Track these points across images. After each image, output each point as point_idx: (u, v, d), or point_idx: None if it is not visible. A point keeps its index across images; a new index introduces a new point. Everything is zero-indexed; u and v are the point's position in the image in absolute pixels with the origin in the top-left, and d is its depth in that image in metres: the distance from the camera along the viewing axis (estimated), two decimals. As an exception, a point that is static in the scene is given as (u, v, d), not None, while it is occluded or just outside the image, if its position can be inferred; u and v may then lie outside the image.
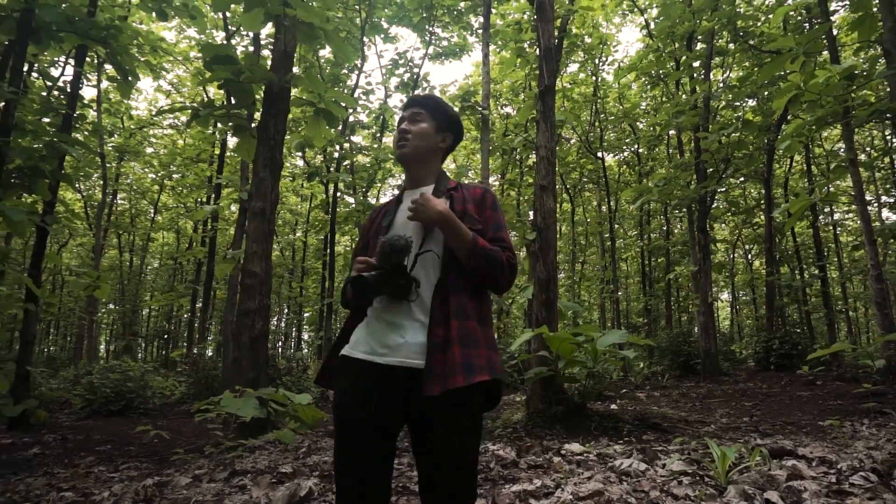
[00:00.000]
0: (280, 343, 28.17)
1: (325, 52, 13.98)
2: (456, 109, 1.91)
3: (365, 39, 14.09)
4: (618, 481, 3.32)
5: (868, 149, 17.55)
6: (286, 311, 26.96)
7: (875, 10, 6.07)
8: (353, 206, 15.18)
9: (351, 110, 14.01)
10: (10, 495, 3.56)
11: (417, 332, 1.51)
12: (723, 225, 21.47)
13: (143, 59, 11.06)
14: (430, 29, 14.40)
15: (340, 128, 13.87)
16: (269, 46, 12.15)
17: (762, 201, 15.62)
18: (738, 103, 13.81)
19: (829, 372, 11.12)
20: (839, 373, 10.83)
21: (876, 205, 18.03)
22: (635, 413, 6.01)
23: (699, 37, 12.22)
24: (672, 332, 15.35)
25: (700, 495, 2.90)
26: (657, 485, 3.17)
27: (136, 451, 5.41)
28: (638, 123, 17.81)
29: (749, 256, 24.16)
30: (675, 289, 20.78)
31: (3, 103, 6.07)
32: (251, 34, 11.76)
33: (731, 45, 12.99)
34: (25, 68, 7.52)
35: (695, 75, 12.71)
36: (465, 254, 1.54)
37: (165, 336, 25.22)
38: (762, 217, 15.83)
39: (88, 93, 29.88)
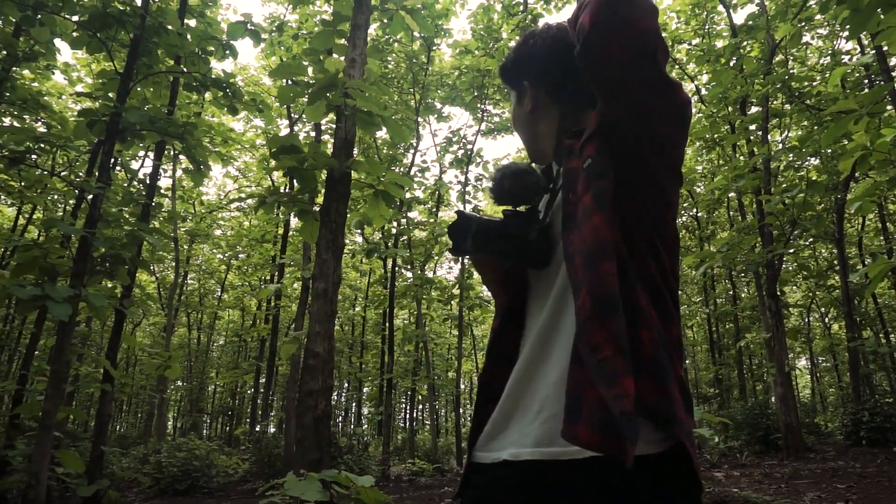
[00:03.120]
0: (340, 418, 28.08)
1: (382, 133, 14.64)
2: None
3: (419, 119, 14.69)
4: (702, 578, 3.07)
5: (948, 203, 16.62)
6: (346, 386, 27.03)
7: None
8: (411, 280, 15.38)
9: (407, 188, 14.46)
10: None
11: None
12: (794, 288, 20.47)
13: (214, 149, 11.86)
14: (482, 107, 14.90)
15: (398, 205, 14.30)
16: (330, 131, 12.85)
17: (835, 262, 14.89)
18: (800, 163, 13.45)
19: (932, 447, 10.14)
20: (943, 448, 9.86)
21: (964, 262, 16.85)
22: (715, 496, 5.61)
23: (753, 100, 12.12)
24: (747, 403, 14.44)
25: None
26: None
27: (201, 535, 5.41)
28: (695, 187, 17.55)
29: (826, 320, 22.79)
30: (748, 356, 19.71)
31: (91, 197, 6.58)
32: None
33: (787, 107, 12.80)
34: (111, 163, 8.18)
35: (752, 137, 12.53)
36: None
37: (230, 412, 25.62)
38: (837, 279, 15.03)
39: (164, 182, 32.07)
